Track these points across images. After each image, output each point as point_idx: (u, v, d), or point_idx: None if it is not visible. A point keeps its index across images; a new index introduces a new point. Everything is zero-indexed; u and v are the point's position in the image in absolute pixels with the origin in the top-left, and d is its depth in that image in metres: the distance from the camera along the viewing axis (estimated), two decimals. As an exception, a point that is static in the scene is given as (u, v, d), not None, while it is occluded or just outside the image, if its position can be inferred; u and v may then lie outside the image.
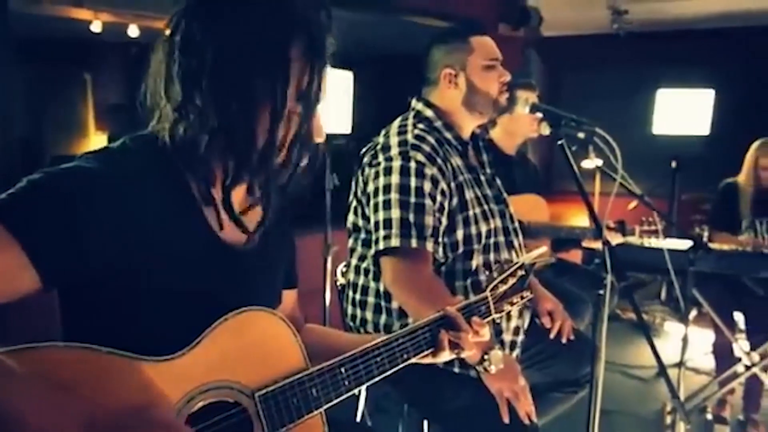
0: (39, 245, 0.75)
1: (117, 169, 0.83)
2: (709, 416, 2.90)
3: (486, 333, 1.12)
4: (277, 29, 0.85)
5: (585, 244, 2.74)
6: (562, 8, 4.46)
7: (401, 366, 1.05)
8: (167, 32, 0.87)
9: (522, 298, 1.28)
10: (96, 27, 4.88)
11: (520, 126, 2.63)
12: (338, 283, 1.89)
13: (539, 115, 1.68)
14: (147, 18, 4.86)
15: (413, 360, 1.07)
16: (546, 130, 1.63)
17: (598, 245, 1.53)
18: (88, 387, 0.74)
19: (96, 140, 6.33)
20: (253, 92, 0.84)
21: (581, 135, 1.58)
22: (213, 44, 0.83)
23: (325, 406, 0.95)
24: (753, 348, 2.75)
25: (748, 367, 2.67)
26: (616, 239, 2.56)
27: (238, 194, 0.93)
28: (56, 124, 6.18)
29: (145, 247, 0.82)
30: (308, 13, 0.88)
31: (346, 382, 0.96)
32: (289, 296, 1.15)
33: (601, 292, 1.47)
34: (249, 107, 0.85)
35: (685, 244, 2.47)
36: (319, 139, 0.95)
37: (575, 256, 3.27)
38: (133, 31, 5.03)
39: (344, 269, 1.84)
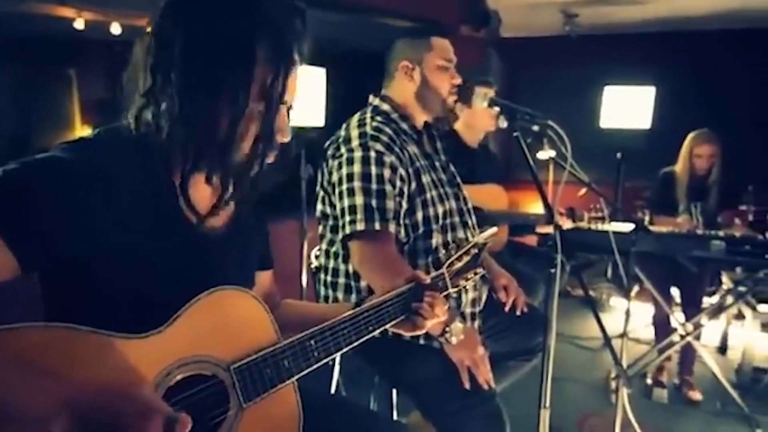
0: (15, 231, 0.72)
1: (89, 158, 0.81)
2: (649, 381, 2.99)
3: (441, 303, 1.13)
4: (243, 30, 0.83)
5: (539, 228, 2.78)
6: (519, 12, 4.49)
7: (367, 337, 1.05)
8: (148, 29, 0.86)
9: (475, 273, 1.29)
10: (79, 24, 4.72)
11: (480, 119, 2.63)
12: (312, 266, 1.88)
13: (497, 109, 1.69)
14: (129, 16, 4.72)
15: (377, 332, 1.07)
16: (503, 123, 1.64)
17: (550, 229, 1.55)
18: (69, 365, 0.72)
19: (82, 134, 6.14)
20: (215, 86, 0.83)
21: (535, 128, 1.59)
22: (182, 37, 0.82)
23: (297, 376, 0.94)
24: (687, 319, 2.84)
25: (683, 337, 2.76)
26: (566, 223, 2.61)
27: (205, 189, 0.92)
28: (43, 118, 5.98)
29: (118, 232, 0.80)
30: (278, 18, 0.86)
31: (316, 353, 0.96)
32: (264, 276, 1.15)
33: (553, 270, 1.50)
34: (211, 100, 0.83)
35: (628, 227, 2.52)
36: (284, 139, 0.93)
37: (530, 239, 3.31)
38: (115, 28, 4.89)
39: (317, 253, 1.83)
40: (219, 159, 0.87)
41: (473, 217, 1.78)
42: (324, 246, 1.70)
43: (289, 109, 0.94)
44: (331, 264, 1.67)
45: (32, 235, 0.74)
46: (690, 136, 3.04)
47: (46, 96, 6.01)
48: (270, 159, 0.93)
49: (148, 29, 0.86)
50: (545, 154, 2.09)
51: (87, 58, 6.01)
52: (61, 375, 0.69)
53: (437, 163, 1.72)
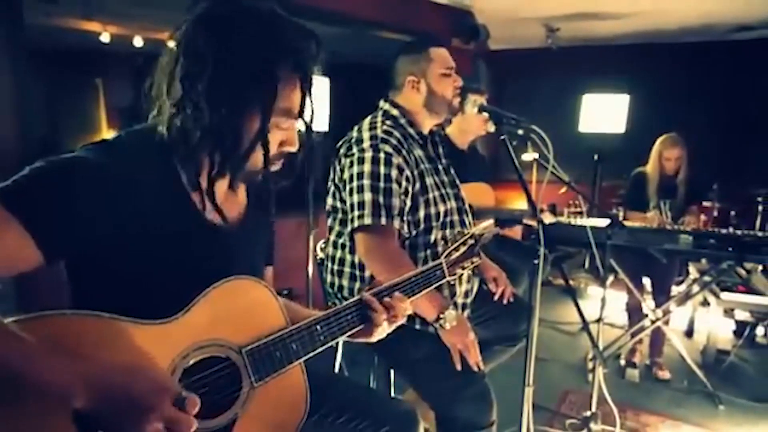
0: (40, 226, 0.71)
1: (112, 158, 0.80)
2: (623, 362, 2.99)
3: (407, 305, 1.08)
4: (268, 52, 0.83)
5: (525, 221, 2.77)
6: (505, 25, 4.47)
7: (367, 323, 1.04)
8: (174, 39, 0.85)
9: (472, 263, 1.28)
10: (105, 38, 4.70)
11: (471, 124, 2.62)
12: (318, 257, 1.87)
13: (486, 114, 1.69)
14: (150, 30, 4.70)
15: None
16: (491, 127, 1.63)
17: (534, 224, 1.55)
18: (92, 348, 0.71)
19: (107, 136, 6.12)
20: (242, 102, 0.83)
21: (520, 132, 1.59)
22: (213, 55, 0.81)
23: (304, 358, 0.94)
24: (657, 306, 2.84)
25: (653, 322, 2.76)
26: (548, 219, 2.60)
27: (222, 186, 0.92)
28: (72, 123, 5.96)
29: (138, 227, 0.80)
30: (297, 43, 0.86)
31: (322, 337, 0.95)
32: (266, 273, 1.14)
33: (536, 261, 1.49)
34: (237, 114, 0.83)
35: (604, 222, 2.52)
36: (292, 149, 0.93)
37: (516, 233, 3.31)
38: (138, 41, 4.87)
39: (323, 245, 1.83)
40: (242, 166, 0.88)
41: (470, 215, 1.77)
42: (332, 237, 1.69)
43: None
44: (338, 254, 1.66)
45: (56, 230, 0.73)
46: (659, 139, 3.03)
47: (75, 102, 6.00)
48: (278, 165, 0.93)
49: (171, 42, 0.86)
50: (529, 155, 2.08)
51: (112, 69, 5.99)
52: (82, 356, 0.69)
53: (440, 167, 1.71)
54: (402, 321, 1.08)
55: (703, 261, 2.81)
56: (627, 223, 2.74)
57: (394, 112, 1.66)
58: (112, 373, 0.68)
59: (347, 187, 1.54)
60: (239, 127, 0.84)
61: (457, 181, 1.79)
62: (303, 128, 0.94)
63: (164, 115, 0.85)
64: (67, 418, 0.68)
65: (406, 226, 1.55)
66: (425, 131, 1.70)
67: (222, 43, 0.82)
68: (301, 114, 0.89)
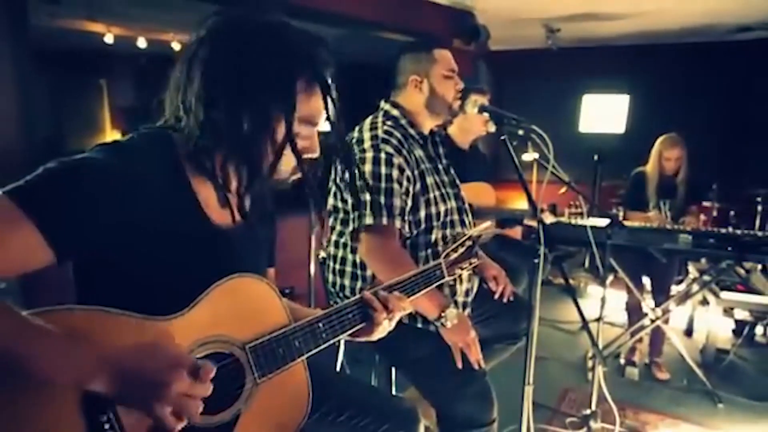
0: (53, 226, 0.72)
1: (123, 159, 0.80)
2: (622, 360, 2.99)
3: (406, 304, 1.08)
4: (286, 65, 0.84)
5: (525, 221, 2.77)
6: (506, 26, 4.47)
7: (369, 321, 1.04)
8: (185, 53, 0.85)
9: (470, 263, 1.29)
10: (109, 39, 4.71)
11: (472, 124, 2.62)
12: (320, 257, 1.87)
13: (487, 114, 1.69)
14: (153, 31, 4.71)
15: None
16: (492, 127, 1.63)
17: (534, 223, 1.55)
18: (104, 339, 0.72)
19: (112, 137, 6.13)
20: (264, 117, 0.84)
21: (521, 132, 1.59)
22: (233, 74, 0.82)
23: (307, 355, 0.94)
24: (657, 305, 2.84)
25: (653, 321, 2.76)
26: (548, 219, 2.60)
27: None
28: (77, 123, 5.98)
29: (146, 227, 0.80)
30: (311, 51, 0.87)
31: (324, 335, 0.96)
32: (268, 273, 1.14)
33: (537, 261, 1.49)
34: (261, 129, 0.84)
35: (604, 221, 2.52)
36: (314, 155, 0.94)
37: (516, 233, 3.31)
38: (141, 42, 4.88)
39: (325, 244, 1.83)
40: (269, 179, 0.89)
41: (470, 215, 1.77)
42: (333, 237, 1.70)
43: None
44: (340, 253, 1.66)
45: (68, 230, 0.73)
46: (659, 140, 3.03)
47: (79, 103, 6.01)
48: (297, 175, 0.94)
49: (187, 51, 0.85)
50: (530, 155, 2.08)
51: (116, 69, 6.01)
52: (101, 347, 0.71)
53: (440, 167, 1.71)
54: (400, 316, 1.08)
55: (703, 260, 2.81)
56: (627, 223, 2.74)
57: (395, 112, 1.66)
58: (127, 354, 0.70)
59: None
60: (264, 143, 0.85)
61: (457, 181, 1.79)
62: (330, 129, 0.95)
63: (190, 135, 0.85)
64: (74, 403, 0.69)
65: (407, 226, 1.55)
66: (425, 131, 1.70)
67: (241, 61, 0.82)
68: (328, 118, 0.90)
